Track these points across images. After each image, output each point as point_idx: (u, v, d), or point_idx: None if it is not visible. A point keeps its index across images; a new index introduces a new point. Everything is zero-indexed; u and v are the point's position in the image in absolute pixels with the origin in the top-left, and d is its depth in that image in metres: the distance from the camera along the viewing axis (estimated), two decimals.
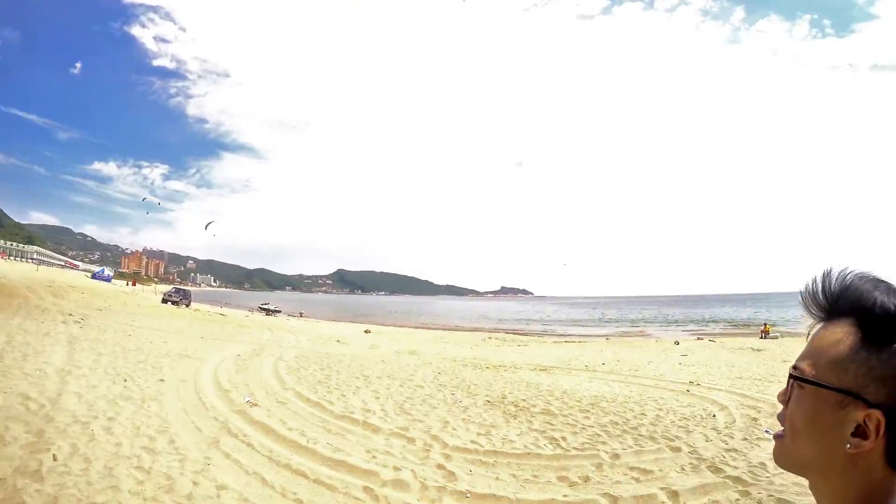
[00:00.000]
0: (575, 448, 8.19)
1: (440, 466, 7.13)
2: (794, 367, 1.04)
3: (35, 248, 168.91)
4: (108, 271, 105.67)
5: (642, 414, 10.63)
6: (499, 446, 8.08)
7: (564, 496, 6.36)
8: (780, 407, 1.10)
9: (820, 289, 1.04)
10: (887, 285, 0.98)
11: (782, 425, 1.05)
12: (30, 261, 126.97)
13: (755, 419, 10.07)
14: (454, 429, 9.05)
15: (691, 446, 8.34)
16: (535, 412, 10.41)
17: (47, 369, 10.23)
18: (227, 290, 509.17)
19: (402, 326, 57.52)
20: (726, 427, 9.60)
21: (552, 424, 9.51)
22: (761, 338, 41.01)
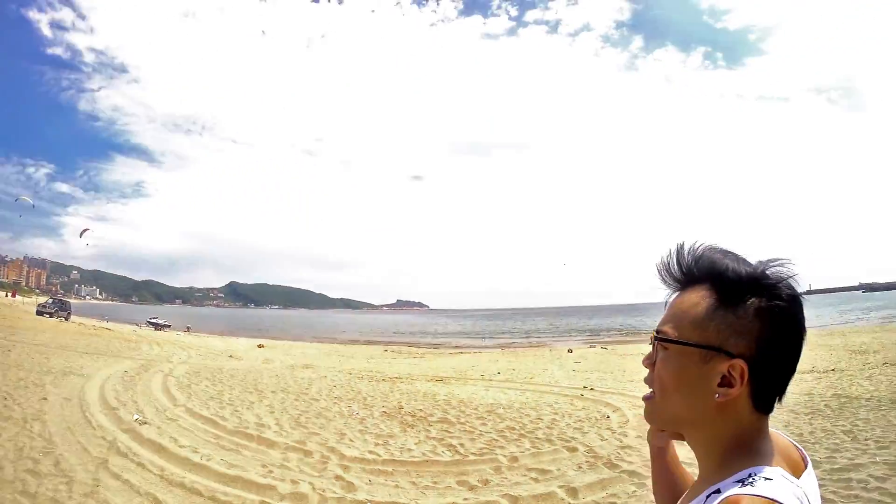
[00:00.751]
0: (473, 453, 8.29)
1: (338, 478, 7.10)
2: (658, 332, 1.19)
3: None
4: None
5: (538, 418, 10.85)
6: (397, 455, 8.11)
7: (465, 499, 6.45)
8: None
9: (675, 261, 1.20)
10: (734, 255, 1.15)
11: (650, 387, 1.19)
12: None
13: None
14: (351, 440, 9.03)
15: (587, 446, 8.59)
16: (432, 421, 10.48)
17: None
18: (114, 303, 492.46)
19: (296, 340, 56.75)
20: (620, 427, 9.92)
21: (450, 432, 9.60)
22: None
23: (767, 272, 1.10)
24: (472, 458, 8.10)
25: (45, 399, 10.24)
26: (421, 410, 11.58)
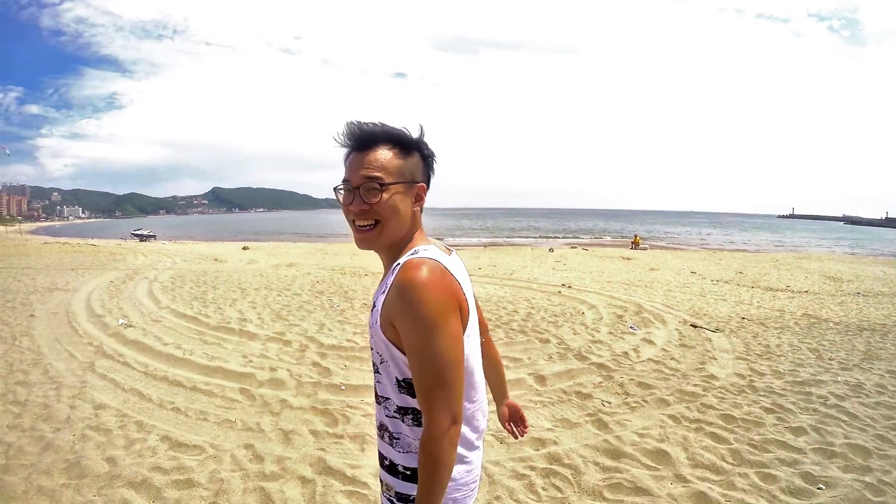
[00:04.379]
0: None
1: (315, 364, 7.37)
2: (372, 178, 1.67)
3: None
4: None
5: (514, 311, 11.18)
6: None
7: None
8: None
9: (360, 129, 1.71)
10: (392, 126, 1.73)
11: (363, 222, 1.71)
12: None
13: (621, 317, 10.75)
14: (330, 330, 9.31)
15: (559, 339, 8.88)
16: None
17: None
18: (98, 220, 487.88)
19: (281, 241, 56.79)
20: (594, 323, 10.23)
21: None
22: (631, 248, 43.68)
23: (422, 139, 1.77)
24: None
25: (32, 316, 10.41)
26: None
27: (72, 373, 7.05)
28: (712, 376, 7.07)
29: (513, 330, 9.51)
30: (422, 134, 1.76)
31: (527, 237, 72.38)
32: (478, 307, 1.97)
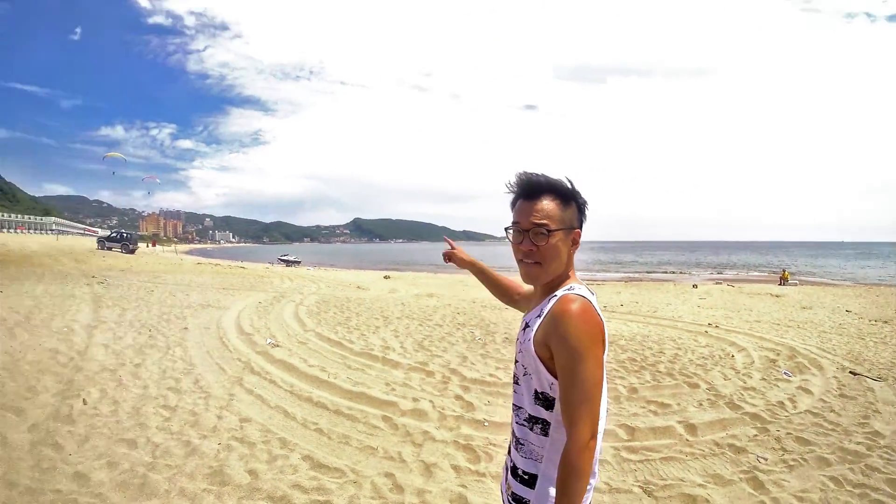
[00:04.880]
0: None
1: (458, 397, 7.27)
2: (540, 225, 1.99)
3: (52, 219, 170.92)
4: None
5: (660, 352, 10.64)
6: None
7: None
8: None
9: (529, 180, 2.06)
10: (555, 178, 2.06)
11: (529, 259, 2.04)
12: (48, 232, 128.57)
13: (774, 361, 10.02)
14: (472, 363, 9.18)
15: (709, 384, 8.34)
16: None
17: (74, 326, 10.51)
18: (246, 244, 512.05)
19: (421, 272, 57.26)
20: (745, 367, 9.56)
21: None
22: (780, 284, 41.12)
23: (577, 190, 2.06)
24: None
25: (185, 329, 10.96)
26: None
27: (220, 385, 7.33)
28: (877, 433, 6.40)
29: (660, 372, 9.01)
30: (574, 185, 2.08)
31: (666, 272, 70.00)
32: None
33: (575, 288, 2.02)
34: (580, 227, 2.11)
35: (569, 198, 2.06)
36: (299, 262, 65.69)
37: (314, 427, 6.00)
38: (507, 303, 2.84)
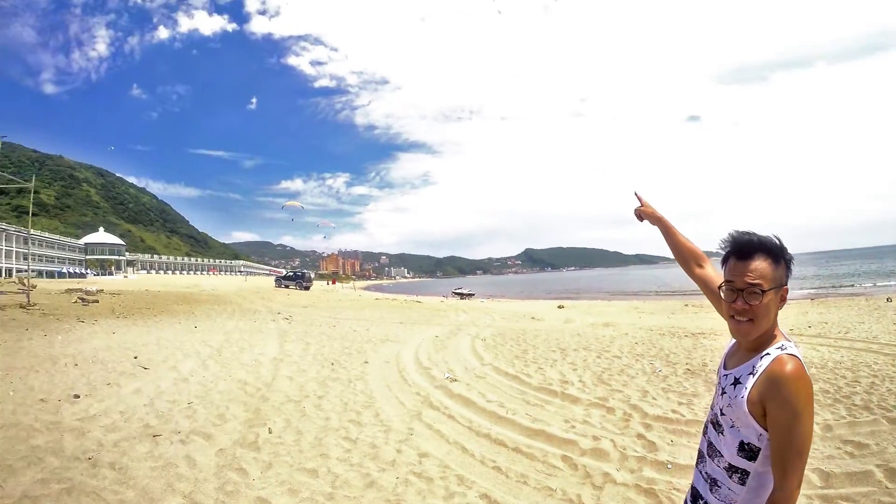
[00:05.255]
0: None
1: (640, 436, 6.89)
2: (754, 285, 2.09)
3: (241, 262, 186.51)
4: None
5: (855, 381, 9.44)
6: (701, 416, 7.55)
7: None
8: None
9: (742, 239, 2.18)
10: (765, 235, 2.17)
11: (742, 318, 2.12)
12: (238, 273, 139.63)
13: None
14: (654, 398, 8.75)
15: None
16: None
17: (262, 359, 11.10)
18: (421, 280, 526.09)
19: (595, 299, 56.09)
20: None
21: None
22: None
23: (784, 245, 2.15)
24: None
25: (366, 363, 11.30)
26: None
27: (400, 419, 7.43)
28: None
29: (855, 405, 7.95)
30: (782, 242, 2.17)
31: (855, 285, 62.34)
32: None
33: (786, 347, 2.08)
34: (787, 284, 2.19)
35: (779, 256, 2.14)
36: (473, 294, 66.23)
37: (492, 465, 5.90)
38: (683, 268, 2.93)
